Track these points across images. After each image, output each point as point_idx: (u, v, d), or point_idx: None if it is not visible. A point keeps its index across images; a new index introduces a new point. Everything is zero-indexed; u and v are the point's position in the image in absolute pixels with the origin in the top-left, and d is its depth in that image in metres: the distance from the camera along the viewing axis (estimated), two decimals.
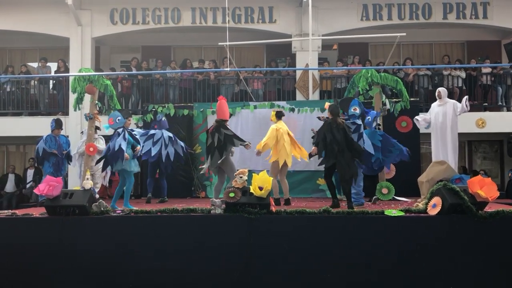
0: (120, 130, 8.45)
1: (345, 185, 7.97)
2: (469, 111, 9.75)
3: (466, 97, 9.28)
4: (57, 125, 10.70)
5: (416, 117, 9.92)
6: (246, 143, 8.50)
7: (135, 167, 8.57)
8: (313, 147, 8.27)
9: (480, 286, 6.55)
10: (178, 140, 10.32)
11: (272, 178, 7.98)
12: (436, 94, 9.56)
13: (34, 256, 6.84)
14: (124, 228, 6.95)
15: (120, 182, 8.59)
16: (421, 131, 11.14)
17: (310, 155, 8.92)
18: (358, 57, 13.91)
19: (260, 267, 6.72)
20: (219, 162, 8.42)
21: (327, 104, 9.10)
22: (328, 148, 7.95)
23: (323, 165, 8.31)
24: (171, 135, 10.23)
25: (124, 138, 8.33)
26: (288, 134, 9.00)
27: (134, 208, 7.64)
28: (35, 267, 6.83)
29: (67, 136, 11.21)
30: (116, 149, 8.19)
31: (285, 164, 8.89)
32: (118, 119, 8.62)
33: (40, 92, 13.81)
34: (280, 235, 6.77)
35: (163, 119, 10.59)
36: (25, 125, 13.16)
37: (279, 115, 9.14)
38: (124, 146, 8.22)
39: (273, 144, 8.81)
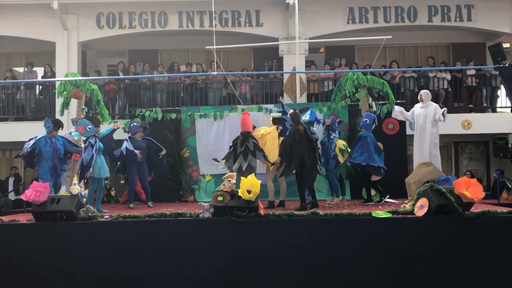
0: (92, 140, 8.66)
1: (305, 186, 8.44)
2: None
3: (444, 109, 9.28)
4: (56, 126, 8.98)
5: (396, 107, 9.91)
6: (265, 160, 8.79)
7: (104, 173, 8.92)
8: (277, 157, 8.60)
9: (467, 286, 6.62)
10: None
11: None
12: (418, 97, 9.58)
13: (21, 263, 6.78)
14: (112, 233, 6.92)
15: (91, 186, 9.00)
16: (407, 133, 11.22)
17: (273, 164, 9.00)
18: (344, 59, 13.97)
19: (249, 270, 6.74)
20: (247, 165, 8.61)
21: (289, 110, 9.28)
22: (293, 156, 8.19)
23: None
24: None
25: (96, 150, 8.58)
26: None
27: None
28: (23, 273, 6.76)
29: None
30: (90, 161, 8.55)
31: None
32: (89, 128, 8.65)
33: (27, 97, 13.68)
34: (269, 238, 6.79)
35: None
36: (11, 131, 13.01)
37: (275, 122, 9.39)
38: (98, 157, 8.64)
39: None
